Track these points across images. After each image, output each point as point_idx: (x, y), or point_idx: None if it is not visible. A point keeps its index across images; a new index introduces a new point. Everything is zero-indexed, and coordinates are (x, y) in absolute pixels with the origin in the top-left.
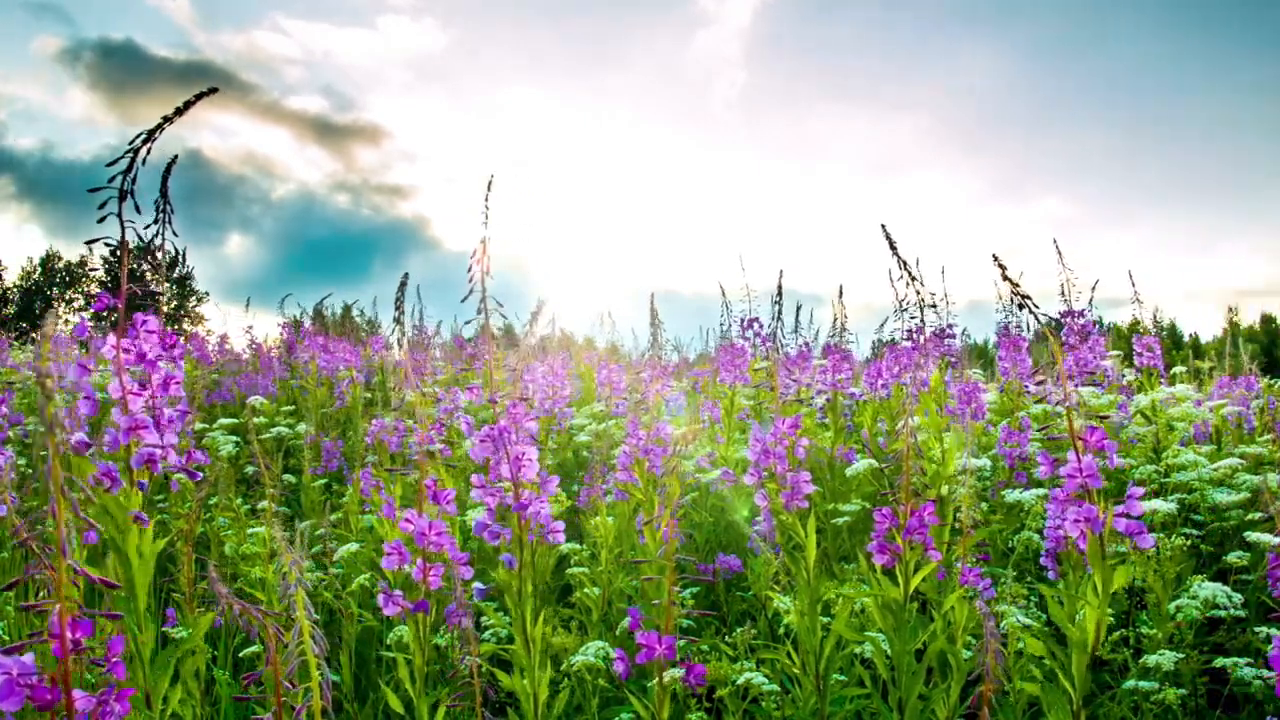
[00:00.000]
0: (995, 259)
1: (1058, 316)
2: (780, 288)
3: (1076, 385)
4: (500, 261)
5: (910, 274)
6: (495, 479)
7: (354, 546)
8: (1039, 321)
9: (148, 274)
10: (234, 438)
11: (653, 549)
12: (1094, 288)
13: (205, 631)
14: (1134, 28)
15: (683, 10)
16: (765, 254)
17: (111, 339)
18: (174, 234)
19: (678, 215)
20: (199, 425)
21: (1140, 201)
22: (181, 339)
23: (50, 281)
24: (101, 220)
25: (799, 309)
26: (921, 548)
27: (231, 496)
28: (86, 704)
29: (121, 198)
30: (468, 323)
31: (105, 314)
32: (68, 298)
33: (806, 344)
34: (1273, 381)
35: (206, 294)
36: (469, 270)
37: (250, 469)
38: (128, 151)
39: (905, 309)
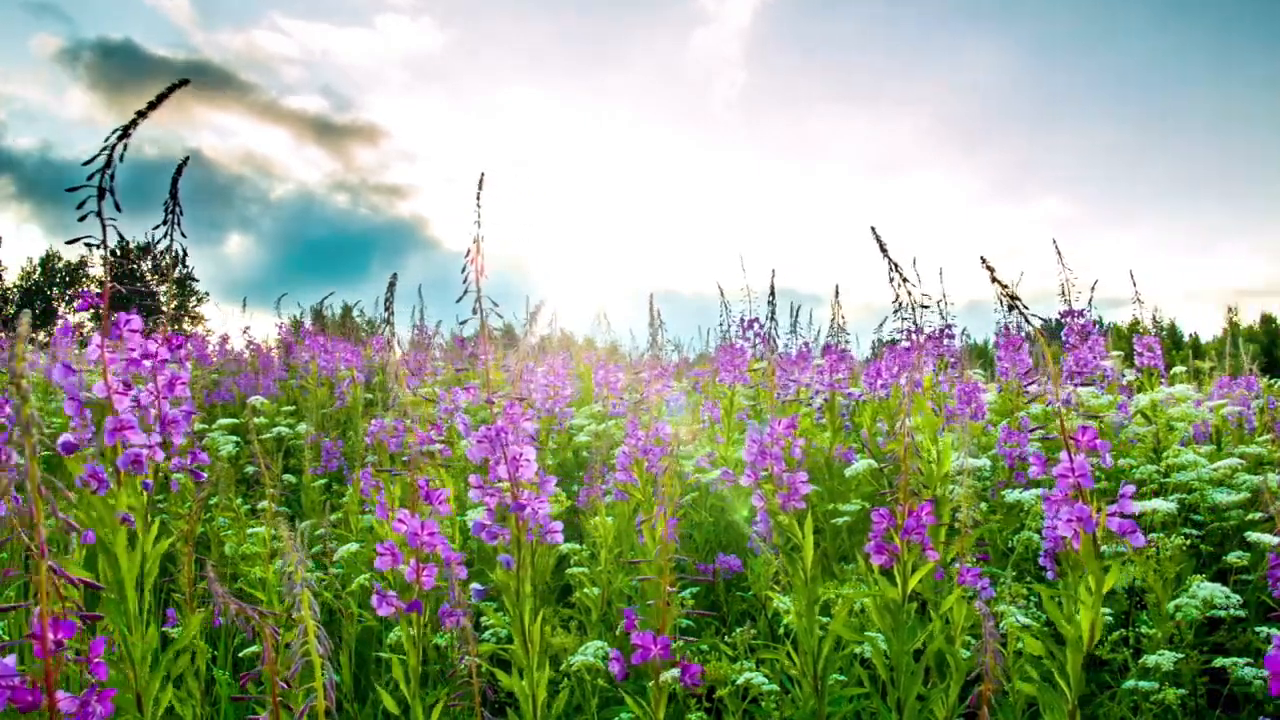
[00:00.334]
0: (983, 261)
1: (1058, 317)
2: (773, 288)
3: (1076, 385)
4: (500, 261)
5: (901, 275)
6: (493, 479)
7: (354, 546)
8: (1029, 323)
9: (147, 274)
10: (234, 438)
11: (652, 549)
12: (1094, 288)
13: (204, 632)
14: (1137, 25)
15: (682, 9)
16: (765, 254)
17: (96, 339)
18: (183, 235)
19: (678, 215)
20: (198, 425)
21: (1140, 201)
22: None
23: (50, 281)
24: (82, 219)
25: (799, 309)
26: (919, 548)
27: (231, 496)
28: (70, 705)
29: (100, 196)
30: (464, 322)
31: (92, 313)
32: (68, 298)
33: (806, 344)
34: (1273, 381)
35: (207, 294)
36: (464, 270)
37: (250, 469)
38: (104, 149)
39: (899, 310)
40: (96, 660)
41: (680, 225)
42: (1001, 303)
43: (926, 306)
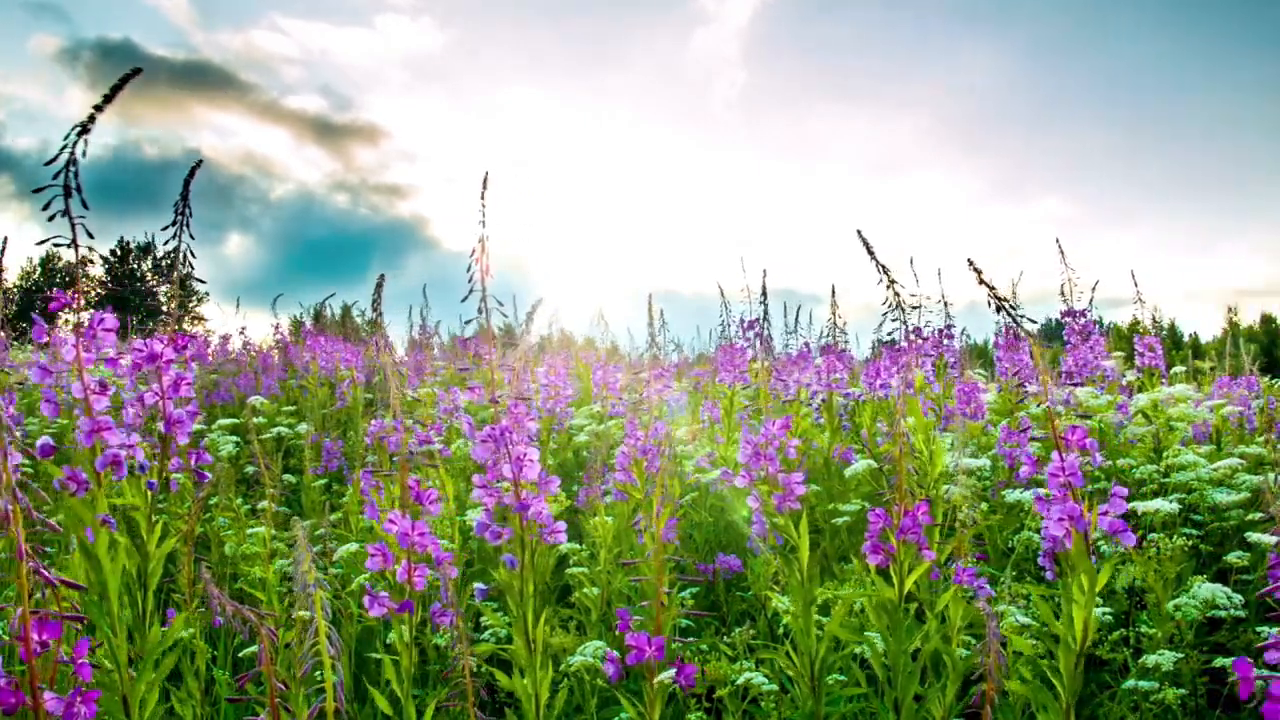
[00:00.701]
0: (970, 263)
1: (1058, 317)
2: (765, 289)
3: (1076, 386)
4: (500, 261)
5: (890, 277)
6: (496, 479)
7: (354, 546)
8: (1017, 323)
9: (148, 274)
10: (234, 438)
11: (651, 549)
12: (1094, 288)
13: (203, 631)
14: (1134, 27)
15: (682, 10)
16: (765, 254)
17: (71, 339)
18: (191, 237)
19: (678, 215)
20: (197, 426)
21: (1140, 201)
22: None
23: (50, 281)
24: (51, 219)
25: (799, 309)
26: (915, 548)
27: (231, 496)
28: (56, 706)
29: (67, 194)
30: (468, 322)
31: (83, 312)
32: (69, 297)
33: (806, 344)
34: (1273, 381)
35: (207, 294)
36: (468, 270)
37: (250, 469)
38: (63, 146)
39: (889, 311)
40: (81, 661)
41: (680, 225)
42: (990, 304)
43: (918, 307)
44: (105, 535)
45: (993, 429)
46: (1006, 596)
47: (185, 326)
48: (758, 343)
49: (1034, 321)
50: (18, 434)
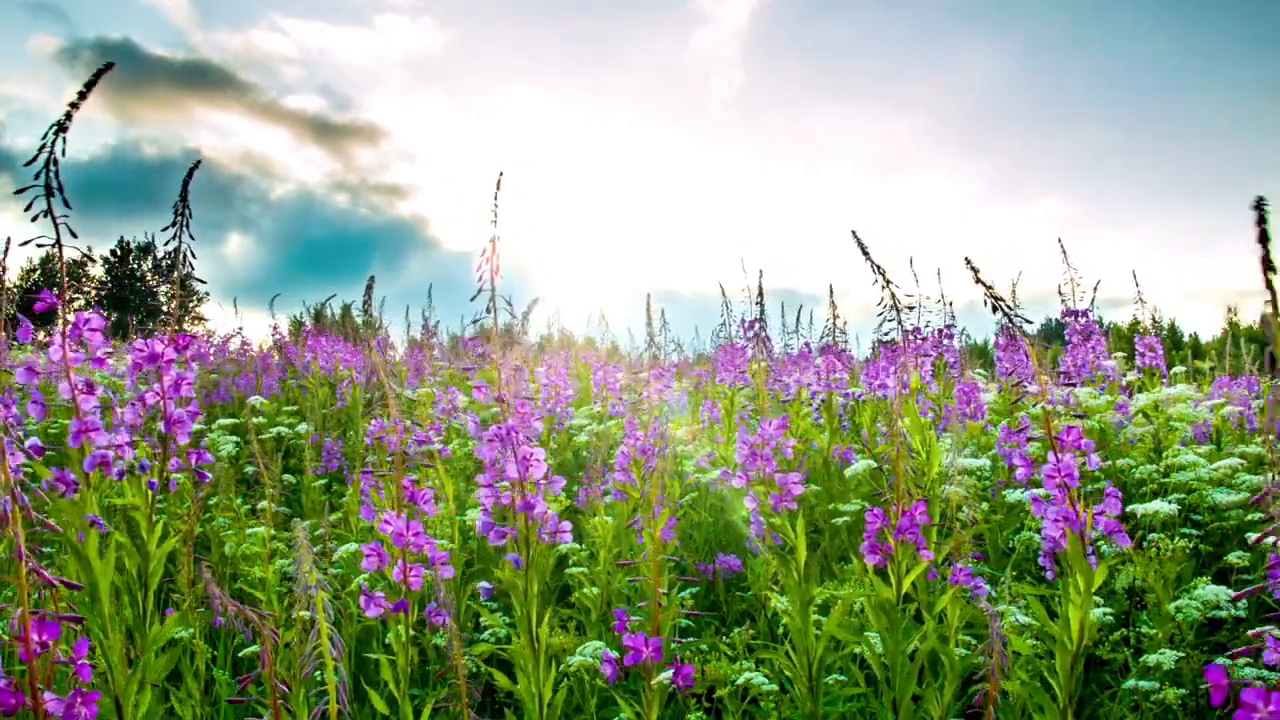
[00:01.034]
0: (968, 262)
1: (1059, 317)
2: (761, 289)
3: (1076, 386)
4: (502, 261)
5: (885, 278)
6: (503, 479)
7: (353, 546)
8: (1013, 324)
9: (148, 274)
10: (234, 438)
11: (649, 549)
12: (1096, 288)
13: (203, 631)
14: (1134, 26)
15: (681, 9)
16: (765, 254)
17: (58, 340)
18: (191, 237)
19: (677, 215)
20: (198, 426)
21: (1140, 201)
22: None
23: (50, 281)
24: (34, 220)
25: (800, 310)
26: (913, 548)
27: (231, 496)
28: (56, 707)
29: (49, 193)
30: (474, 321)
31: (50, 313)
32: (68, 298)
33: (806, 344)
34: (1274, 381)
35: (207, 294)
36: (478, 269)
37: (250, 469)
38: (41, 146)
39: (884, 312)
40: (81, 662)
41: (680, 225)
42: (987, 303)
43: (913, 307)
44: (94, 536)
45: (992, 429)
46: (1007, 596)
47: (186, 326)
48: (757, 343)
49: (1031, 322)
50: (19, 434)
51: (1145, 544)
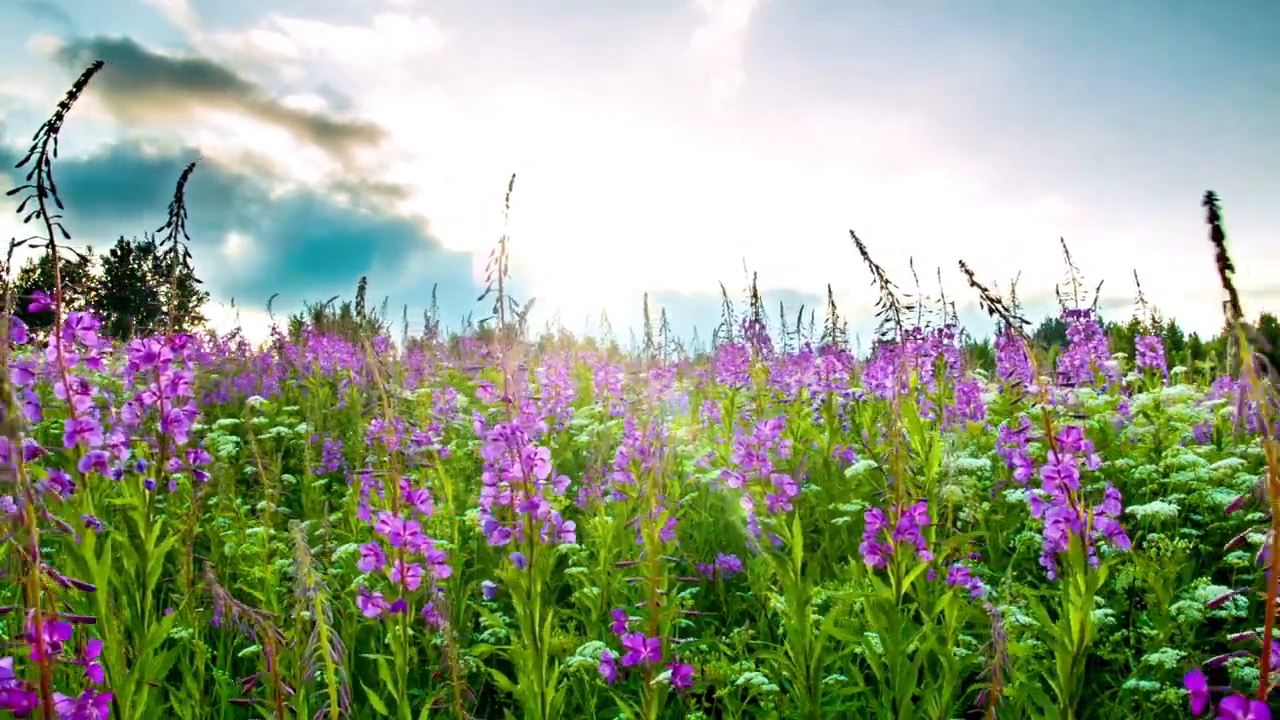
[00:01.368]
0: (962, 265)
1: (1059, 317)
2: (755, 290)
3: (1075, 386)
4: (508, 261)
5: (884, 278)
6: (507, 478)
7: (352, 546)
8: (1010, 324)
9: (148, 274)
10: (234, 438)
11: (650, 549)
12: (1099, 288)
13: (202, 631)
14: (1133, 26)
15: (681, 9)
16: (765, 254)
17: (53, 340)
18: (186, 237)
19: (677, 215)
20: (198, 426)
21: (1140, 201)
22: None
23: (50, 281)
24: (27, 220)
25: (801, 310)
26: (913, 548)
27: (231, 496)
28: (66, 708)
29: (41, 194)
30: (482, 322)
31: (42, 313)
32: (68, 298)
33: (806, 344)
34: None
35: (207, 294)
36: (486, 270)
37: (250, 469)
38: (33, 146)
39: (882, 311)
40: (93, 663)
41: (680, 225)
42: (983, 305)
43: (911, 307)
44: (90, 537)
45: (992, 429)
46: (1008, 596)
47: (185, 326)
48: (755, 343)
49: (1030, 322)
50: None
51: (1145, 544)
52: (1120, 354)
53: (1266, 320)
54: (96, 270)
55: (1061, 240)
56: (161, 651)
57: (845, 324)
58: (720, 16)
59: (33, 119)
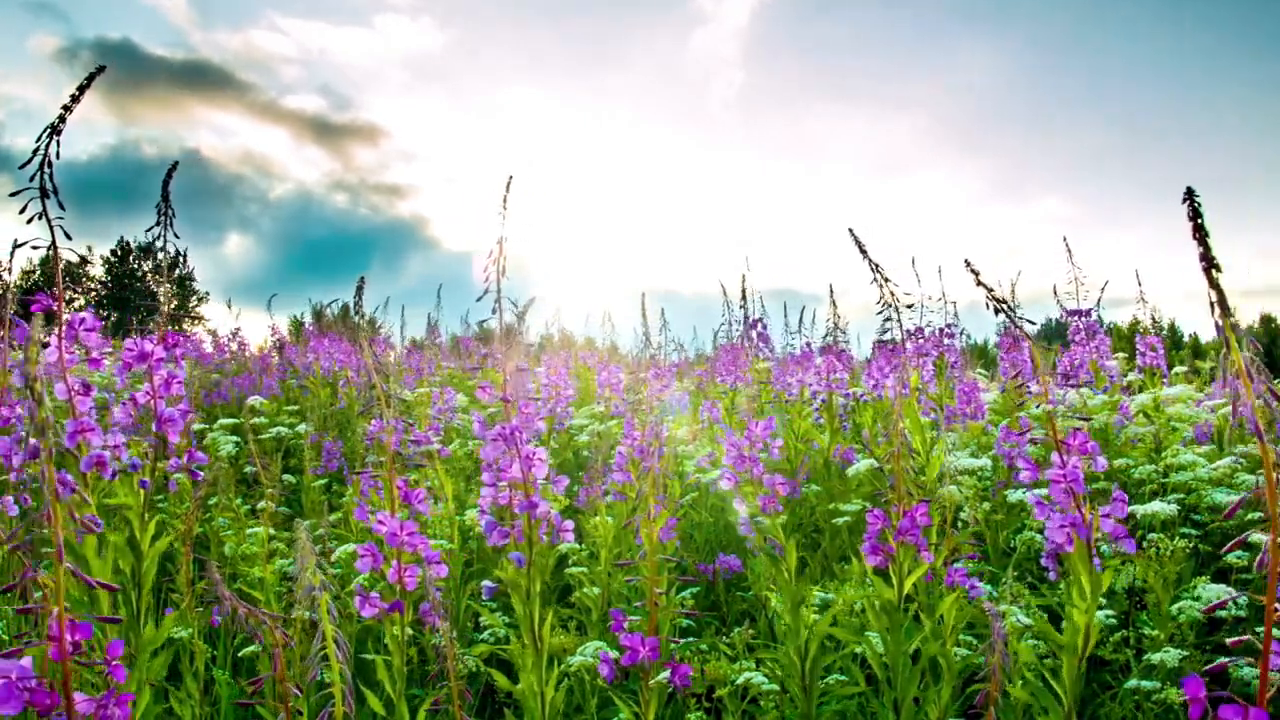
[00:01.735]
0: (968, 264)
1: (1060, 317)
2: (744, 292)
3: (1074, 386)
4: (506, 262)
5: (883, 276)
6: (506, 478)
7: (352, 547)
8: (1016, 325)
9: (149, 274)
10: (234, 438)
11: (649, 549)
12: (1104, 288)
13: (202, 631)
14: (1133, 26)
15: (681, 10)
16: (766, 254)
17: (54, 340)
18: (175, 236)
19: (678, 215)
20: (198, 426)
21: (1140, 201)
22: (183, 340)
23: (50, 281)
24: (29, 222)
25: (802, 310)
26: (914, 549)
27: (231, 496)
28: (87, 707)
29: (44, 196)
30: (481, 322)
31: (46, 314)
32: (68, 298)
33: (807, 344)
34: (1274, 381)
35: (207, 294)
36: (484, 271)
37: (250, 469)
38: (36, 148)
39: (882, 310)
40: (115, 663)
41: (680, 225)
42: (989, 306)
43: (912, 306)
44: (92, 537)
45: (993, 429)
46: (1008, 597)
47: (185, 326)
48: (756, 343)
49: (1033, 323)
50: (20, 434)
51: (1145, 544)
52: (1120, 354)
53: (1266, 320)
54: (96, 270)
55: (1064, 240)
56: (161, 652)
57: (846, 324)
58: (720, 16)
59: (32, 119)
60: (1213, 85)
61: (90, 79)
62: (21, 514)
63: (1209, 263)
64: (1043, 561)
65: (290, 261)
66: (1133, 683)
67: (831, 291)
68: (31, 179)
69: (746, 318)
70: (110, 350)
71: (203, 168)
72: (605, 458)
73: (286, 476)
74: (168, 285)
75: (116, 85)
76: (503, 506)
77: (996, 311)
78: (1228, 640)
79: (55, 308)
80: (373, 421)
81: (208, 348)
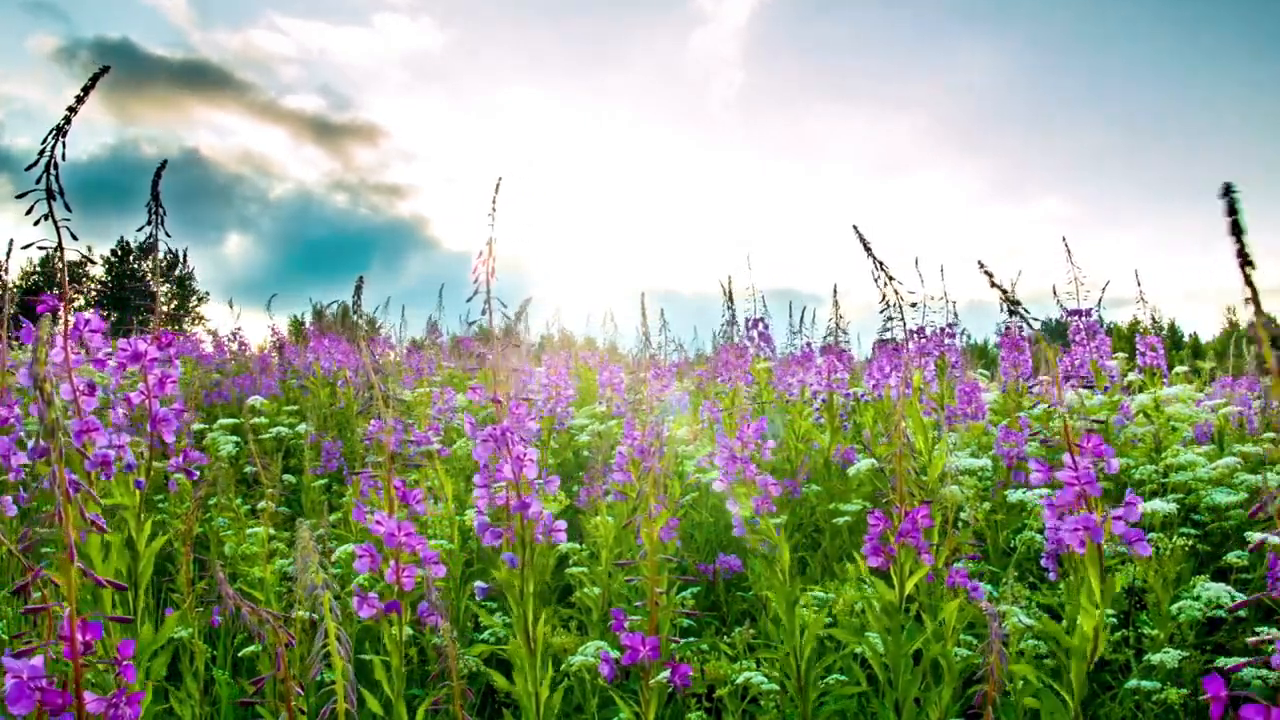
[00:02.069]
0: (981, 265)
1: (1060, 317)
2: (730, 293)
3: (1075, 386)
4: (501, 261)
5: (887, 274)
6: (499, 479)
7: (351, 547)
8: (1029, 326)
9: (148, 275)
10: (234, 438)
11: (650, 549)
12: (1105, 288)
13: (202, 631)
14: (1133, 26)
15: (681, 9)
16: (766, 254)
17: (59, 341)
18: (167, 235)
19: (678, 215)
20: (198, 425)
21: (1140, 201)
22: (180, 339)
23: (50, 281)
24: (36, 223)
25: (803, 310)
26: (915, 550)
27: (231, 496)
28: (97, 706)
29: (50, 197)
30: (472, 323)
31: (51, 314)
32: (69, 297)
33: (808, 344)
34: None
35: (207, 294)
36: (474, 271)
37: (250, 469)
38: (41, 150)
39: (885, 310)
40: (125, 662)
41: (680, 225)
42: (1002, 306)
43: (914, 305)
44: (94, 536)
45: (993, 429)
46: (1009, 597)
47: (186, 326)
48: (759, 342)
49: (1037, 321)
50: (22, 434)
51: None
52: (1120, 354)
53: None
54: (97, 270)
55: (1064, 240)
56: (161, 652)
57: (847, 324)
58: (720, 16)
59: (32, 119)
60: (1213, 85)
61: (94, 80)
62: (21, 514)
63: (1244, 259)
64: (1043, 562)
65: (290, 261)
66: (1133, 683)
67: (835, 291)
68: (38, 181)
69: (733, 319)
70: (111, 351)
71: (202, 168)
72: (606, 458)
73: (286, 476)
74: (166, 285)
75: (116, 85)
76: (499, 507)
77: (1011, 313)
78: (1248, 640)
79: (61, 308)
80: (372, 422)
81: (208, 348)
